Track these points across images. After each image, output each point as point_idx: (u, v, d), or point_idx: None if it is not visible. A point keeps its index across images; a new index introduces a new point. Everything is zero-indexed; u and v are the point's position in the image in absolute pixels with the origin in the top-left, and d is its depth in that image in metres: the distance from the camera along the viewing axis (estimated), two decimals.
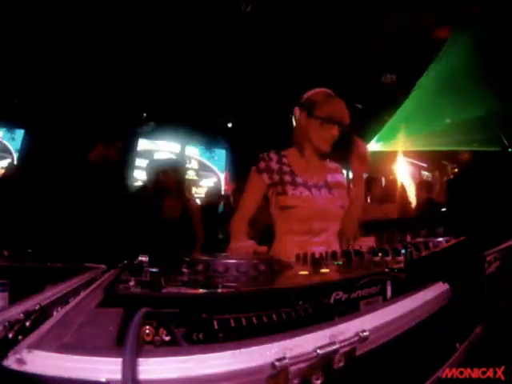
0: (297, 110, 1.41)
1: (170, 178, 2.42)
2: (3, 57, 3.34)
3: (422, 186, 3.94)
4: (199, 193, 5.41)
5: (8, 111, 4.20)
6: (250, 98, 4.81)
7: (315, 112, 1.35)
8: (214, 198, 3.81)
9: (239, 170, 5.57)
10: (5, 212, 1.81)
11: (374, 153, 6.15)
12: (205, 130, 5.59)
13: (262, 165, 1.38)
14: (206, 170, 6.05)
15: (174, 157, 5.22)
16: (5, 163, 4.41)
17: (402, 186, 3.73)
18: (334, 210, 1.37)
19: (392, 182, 3.78)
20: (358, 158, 1.37)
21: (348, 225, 1.41)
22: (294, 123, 1.44)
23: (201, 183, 5.88)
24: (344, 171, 1.50)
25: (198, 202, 3.70)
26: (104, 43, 3.65)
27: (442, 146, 5.88)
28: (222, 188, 5.74)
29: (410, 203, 3.61)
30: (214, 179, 5.97)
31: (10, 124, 4.45)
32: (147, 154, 5.44)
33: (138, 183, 5.01)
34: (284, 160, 1.40)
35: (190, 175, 5.75)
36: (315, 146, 1.39)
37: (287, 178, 1.36)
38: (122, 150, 2.23)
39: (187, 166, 5.69)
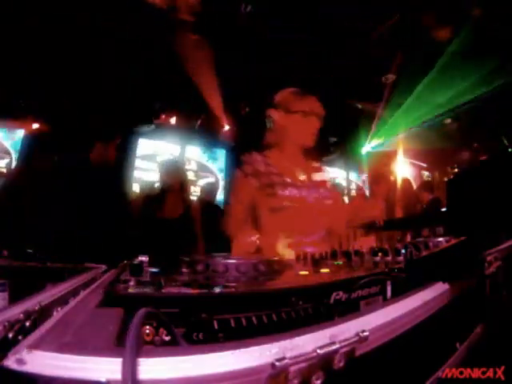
0: (272, 111, 1.39)
1: (172, 178, 2.43)
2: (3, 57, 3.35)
3: (423, 186, 3.94)
4: (196, 191, 5.41)
5: (9, 111, 4.21)
6: (249, 100, 4.81)
7: (293, 107, 1.34)
8: (210, 194, 3.80)
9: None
10: (5, 212, 1.81)
11: (373, 153, 6.16)
12: (205, 130, 5.60)
13: (249, 168, 1.34)
14: (204, 170, 6.03)
15: (175, 157, 5.23)
16: (2, 163, 4.41)
17: (405, 184, 3.70)
18: (323, 209, 1.36)
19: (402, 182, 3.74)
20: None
21: (339, 225, 1.40)
22: (270, 125, 1.42)
23: (198, 183, 5.86)
24: (326, 169, 1.53)
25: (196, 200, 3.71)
26: (104, 44, 3.65)
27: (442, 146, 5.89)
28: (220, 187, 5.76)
29: (413, 202, 3.60)
30: (212, 179, 5.96)
31: (11, 124, 4.45)
32: (149, 156, 5.44)
33: (138, 183, 5.02)
34: (269, 161, 1.38)
35: (189, 176, 5.75)
36: (299, 142, 1.38)
37: (276, 179, 1.33)
38: (122, 148, 2.23)
39: (186, 167, 5.70)
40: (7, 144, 4.53)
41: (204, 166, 6.07)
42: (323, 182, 1.44)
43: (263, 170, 1.35)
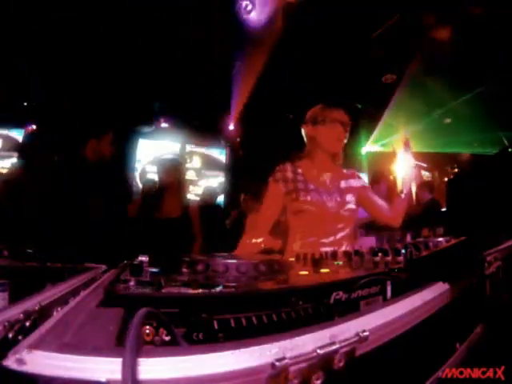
0: (304, 127, 1.53)
1: (170, 177, 2.41)
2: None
3: (424, 186, 3.92)
4: (197, 192, 5.34)
5: (10, 111, 4.22)
6: (250, 99, 4.81)
7: (318, 119, 1.47)
8: (210, 198, 3.79)
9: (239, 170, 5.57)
10: (5, 212, 1.81)
11: (373, 153, 6.16)
12: (205, 129, 5.59)
13: (279, 175, 1.46)
14: (210, 168, 5.92)
15: (173, 156, 5.19)
16: (8, 162, 4.41)
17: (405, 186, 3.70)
18: (345, 213, 1.43)
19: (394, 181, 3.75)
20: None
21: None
22: (304, 139, 1.55)
23: (200, 183, 5.78)
24: (363, 182, 1.59)
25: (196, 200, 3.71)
26: (105, 45, 3.65)
27: (442, 147, 5.90)
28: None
29: (412, 203, 3.60)
30: (220, 178, 5.87)
31: (19, 122, 4.45)
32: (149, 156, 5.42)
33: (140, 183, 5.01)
34: (298, 170, 1.49)
35: (190, 175, 5.70)
36: (327, 149, 1.48)
37: (300, 185, 1.44)
38: (117, 143, 2.21)
39: (189, 164, 5.65)
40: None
41: (213, 163, 5.95)
42: (352, 189, 1.50)
43: (291, 177, 1.46)
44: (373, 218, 1.64)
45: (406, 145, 1.54)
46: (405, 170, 1.52)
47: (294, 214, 1.43)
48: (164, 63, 4.13)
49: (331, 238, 1.39)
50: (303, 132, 1.55)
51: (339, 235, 1.41)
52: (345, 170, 1.56)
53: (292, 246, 1.39)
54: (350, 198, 1.47)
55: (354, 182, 1.53)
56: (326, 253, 0.83)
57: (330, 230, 1.40)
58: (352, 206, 1.46)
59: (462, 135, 5.54)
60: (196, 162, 5.86)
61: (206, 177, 5.84)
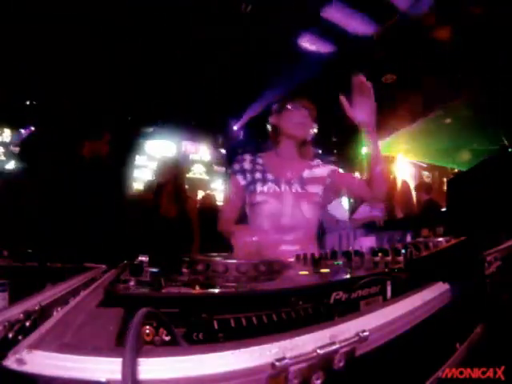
0: (270, 118, 1.47)
1: (166, 176, 2.42)
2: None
3: (422, 186, 3.96)
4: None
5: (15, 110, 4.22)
6: (251, 98, 4.81)
7: (282, 106, 1.42)
8: (210, 201, 3.81)
9: None
10: (5, 212, 1.81)
11: None
12: (206, 129, 5.59)
13: (236, 166, 1.40)
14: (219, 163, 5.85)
15: (173, 155, 5.19)
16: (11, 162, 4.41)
17: (404, 186, 3.73)
18: (305, 206, 1.34)
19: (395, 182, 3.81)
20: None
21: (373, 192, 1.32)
22: (268, 130, 1.48)
23: (212, 185, 5.66)
24: (331, 167, 1.47)
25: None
26: (105, 45, 3.65)
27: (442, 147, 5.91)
28: None
29: (411, 203, 3.62)
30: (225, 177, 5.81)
31: (19, 122, 4.45)
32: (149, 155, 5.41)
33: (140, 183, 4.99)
34: (258, 160, 1.43)
35: (199, 173, 5.65)
36: (290, 134, 1.40)
37: (258, 175, 1.37)
38: (112, 141, 2.20)
39: (197, 156, 5.62)
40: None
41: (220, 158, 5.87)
42: (318, 179, 1.40)
43: (249, 168, 1.39)
44: (354, 197, 1.56)
45: (363, 87, 1.30)
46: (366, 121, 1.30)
47: (251, 207, 1.35)
48: (164, 63, 4.12)
49: (294, 235, 1.29)
50: (268, 125, 1.47)
51: (302, 231, 1.32)
52: (310, 160, 1.46)
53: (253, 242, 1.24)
54: (313, 189, 1.37)
55: (319, 171, 1.41)
56: (326, 253, 0.82)
57: (292, 226, 1.30)
58: (316, 198, 1.36)
59: (462, 135, 5.53)
60: (205, 156, 5.78)
61: (215, 174, 5.75)
